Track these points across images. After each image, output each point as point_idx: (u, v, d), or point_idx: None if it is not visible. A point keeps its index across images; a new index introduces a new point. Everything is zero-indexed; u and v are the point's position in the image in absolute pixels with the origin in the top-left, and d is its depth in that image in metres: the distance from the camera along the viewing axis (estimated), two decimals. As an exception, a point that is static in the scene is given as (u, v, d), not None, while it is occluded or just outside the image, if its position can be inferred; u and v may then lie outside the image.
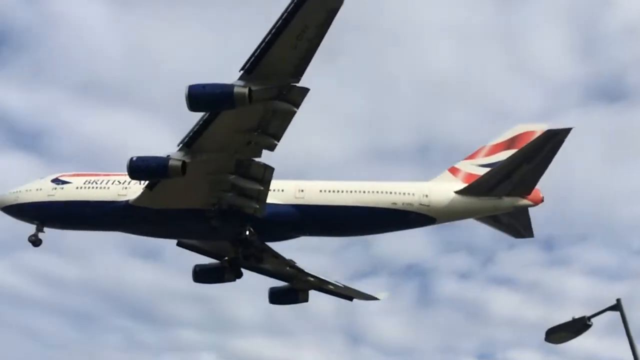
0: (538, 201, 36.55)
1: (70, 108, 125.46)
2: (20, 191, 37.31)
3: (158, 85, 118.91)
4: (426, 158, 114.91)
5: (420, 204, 35.62)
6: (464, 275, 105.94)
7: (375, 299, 47.46)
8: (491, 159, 38.41)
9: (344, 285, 44.82)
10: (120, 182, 36.14)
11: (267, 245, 38.32)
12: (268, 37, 25.95)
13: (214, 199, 33.71)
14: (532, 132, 40.49)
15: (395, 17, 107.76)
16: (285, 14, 25.14)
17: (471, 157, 39.09)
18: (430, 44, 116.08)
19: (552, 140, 32.94)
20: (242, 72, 27.20)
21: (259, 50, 26.40)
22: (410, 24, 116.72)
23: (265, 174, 32.42)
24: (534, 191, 36.28)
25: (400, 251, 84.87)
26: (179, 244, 39.86)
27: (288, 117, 29.41)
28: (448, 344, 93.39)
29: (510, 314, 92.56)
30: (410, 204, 35.59)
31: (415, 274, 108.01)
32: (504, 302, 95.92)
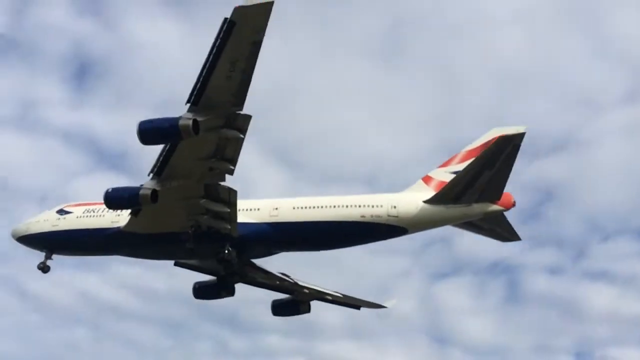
0: (509, 206, 36.30)
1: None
2: (30, 222, 41.34)
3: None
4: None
5: (389, 216, 36.30)
6: (554, 271, 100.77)
7: (383, 306, 48.30)
8: (465, 165, 38.39)
9: (343, 295, 46.00)
10: (114, 210, 39.11)
11: (252, 263, 40.30)
12: (203, 72, 27.83)
13: (192, 221, 35.95)
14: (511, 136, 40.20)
15: (456, 9, 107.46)
16: (213, 52, 26.89)
17: (445, 164, 39.22)
18: (497, 33, 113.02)
19: (508, 145, 32.73)
20: (187, 104, 29.27)
21: (198, 84, 28.36)
22: (473, 13, 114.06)
23: (231, 197, 34.35)
24: (504, 196, 36.10)
25: (483, 249, 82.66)
26: (176, 264, 42.56)
27: (238, 143, 31.19)
28: (542, 342, 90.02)
29: (607, 310, 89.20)
30: (379, 216, 36.35)
31: (501, 271, 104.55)
32: (600, 297, 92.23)
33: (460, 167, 38.05)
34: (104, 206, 39.66)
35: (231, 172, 32.88)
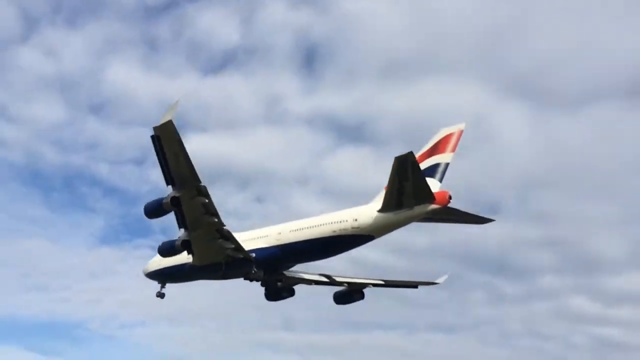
0: (445, 202, 40.61)
1: (380, 94, 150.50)
2: (149, 263, 58.43)
3: (454, 46, 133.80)
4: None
5: (352, 227, 43.83)
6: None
7: (435, 283, 55.13)
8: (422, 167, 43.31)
9: (384, 281, 54.09)
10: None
11: (283, 274, 51.39)
12: (161, 166, 39.79)
13: (222, 255, 48.40)
14: (451, 134, 43.94)
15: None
16: (157, 152, 38.58)
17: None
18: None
19: (406, 162, 37.51)
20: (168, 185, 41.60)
21: (163, 173, 40.46)
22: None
23: (230, 235, 45.88)
24: (440, 195, 40.62)
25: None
26: (245, 279, 55.64)
27: (210, 205, 42.51)
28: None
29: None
30: (345, 229, 44.12)
31: None
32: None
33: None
34: None
35: (219, 224, 44.34)
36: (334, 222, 44.90)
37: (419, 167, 38.87)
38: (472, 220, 43.51)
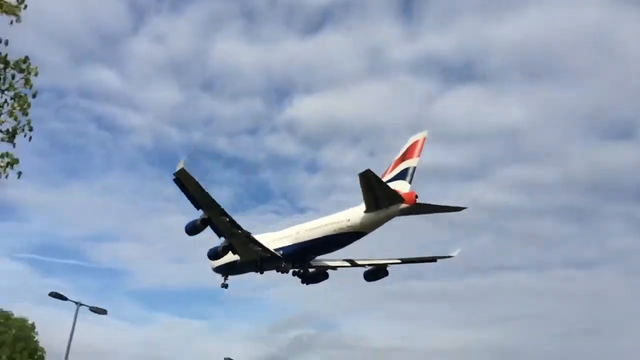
0: (413, 201, 48.44)
1: (485, 27, 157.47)
2: (214, 262, 71.53)
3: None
4: None
5: (347, 226, 53.03)
6: None
7: (451, 256, 63.05)
8: (394, 173, 51.40)
9: (400, 260, 62.75)
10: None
11: (310, 264, 61.77)
12: (188, 198, 51.59)
13: (256, 254, 59.89)
14: (416, 142, 51.28)
15: None
16: (181, 189, 50.37)
17: (383, 175, 52.52)
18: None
19: (366, 178, 45.81)
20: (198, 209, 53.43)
21: (192, 202, 52.25)
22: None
23: (256, 241, 57.06)
24: (408, 195, 48.55)
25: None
26: (277, 271, 66.49)
27: (232, 221, 53.74)
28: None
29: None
30: (342, 228, 53.43)
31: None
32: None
33: (391, 175, 51.76)
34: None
35: (246, 234, 55.53)
36: (334, 223, 54.40)
37: (378, 178, 47.16)
38: (444, 210, 50.93)
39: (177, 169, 48.29)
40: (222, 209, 52.44)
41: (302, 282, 65.78)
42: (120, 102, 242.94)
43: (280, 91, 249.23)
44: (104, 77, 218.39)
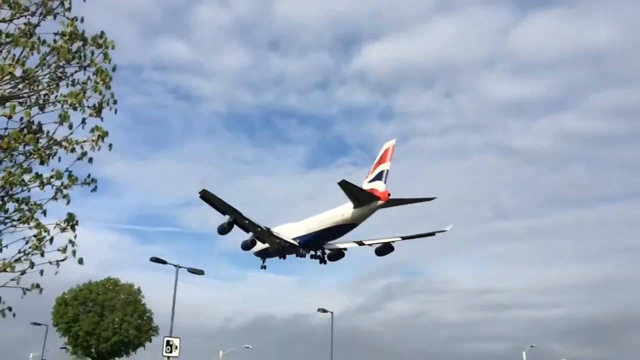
0: (387, 198, 59.21)
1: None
2: (254, 248, 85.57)
3: None
4: None
5: (342, 219, 64.76)
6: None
7: (445, 230, 73.79)
8: (373, 175, 61.99)
9: (402, 237, 74.07)
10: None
11: (323, 248, 74.23)
12: (213, 209, 65.32)
13: (279, 244, 73.15)
14: (388, 149, 61.73)
15: None
16: (207, 203, 64.12)
17: (367, 177, 63.40)
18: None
19: (343, 186, 57.06)
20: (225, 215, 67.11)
21: (217, 210, 65.98)
22: None
23: (273, 234, 70.19)
24: (383, 193, 59.50)
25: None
26: (297, 256, 79.33)
27: (251, 222, 67.05)
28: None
29: None
30: (338, 221, 65.22)
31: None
32: None
33: (371, 177, 62.25)
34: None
35: (266, 229, 68.77)
36: (333, 217, 66.21)
37: (353, 185, 58.18)
38: (416, 201, 61.56)
39: (200, 189, 61.95)
40: (241, 213, 65.87)
41: (320, 263, 78.83)
42: (192, 70, 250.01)
43: (347, 41, 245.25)
44: (175, 48, 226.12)
